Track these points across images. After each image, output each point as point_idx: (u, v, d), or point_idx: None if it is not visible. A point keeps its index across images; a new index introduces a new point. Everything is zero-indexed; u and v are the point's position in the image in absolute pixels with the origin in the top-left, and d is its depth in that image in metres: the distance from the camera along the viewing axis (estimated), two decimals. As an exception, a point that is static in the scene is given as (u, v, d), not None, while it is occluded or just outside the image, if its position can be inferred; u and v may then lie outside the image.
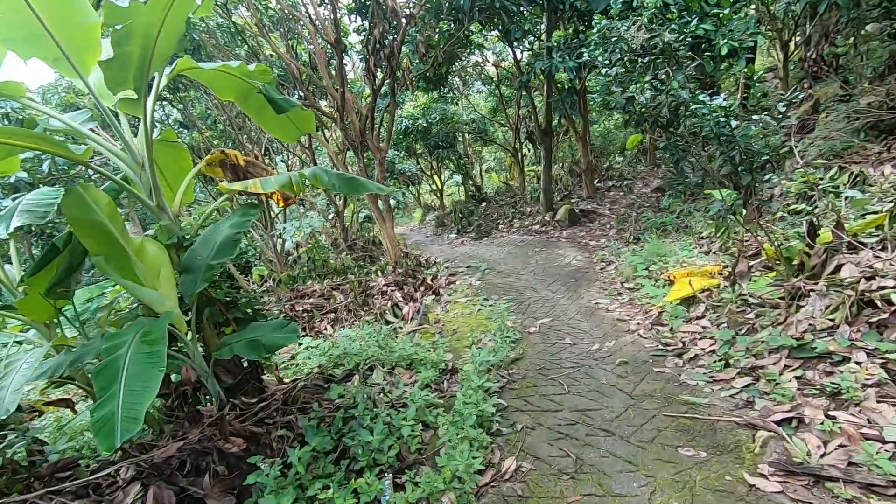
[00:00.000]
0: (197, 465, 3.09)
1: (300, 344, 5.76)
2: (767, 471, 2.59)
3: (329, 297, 8.00)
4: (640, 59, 4.47)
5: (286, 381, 4.61)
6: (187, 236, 3.45)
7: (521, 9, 9.62)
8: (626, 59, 4.53)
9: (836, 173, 5.89)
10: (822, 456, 2.60)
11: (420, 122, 13.93)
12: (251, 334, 3.23)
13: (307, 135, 10.18)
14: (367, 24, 7.28)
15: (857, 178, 5.65)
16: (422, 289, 7.78)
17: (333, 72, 7.66)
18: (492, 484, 2.93)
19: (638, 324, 5.09)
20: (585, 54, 4.84)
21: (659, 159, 13.10)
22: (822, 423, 2.79)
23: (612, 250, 8.18)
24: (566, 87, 11.82)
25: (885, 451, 2.49)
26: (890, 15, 7.01)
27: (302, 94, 7.87)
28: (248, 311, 3.89)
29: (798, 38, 9.78)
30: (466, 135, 16.62)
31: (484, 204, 15.70)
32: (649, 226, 8.82)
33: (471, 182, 17.13)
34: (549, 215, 11.98)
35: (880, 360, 3.06)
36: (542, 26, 10.57)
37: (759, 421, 2.98)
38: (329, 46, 7.71)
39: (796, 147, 6.33)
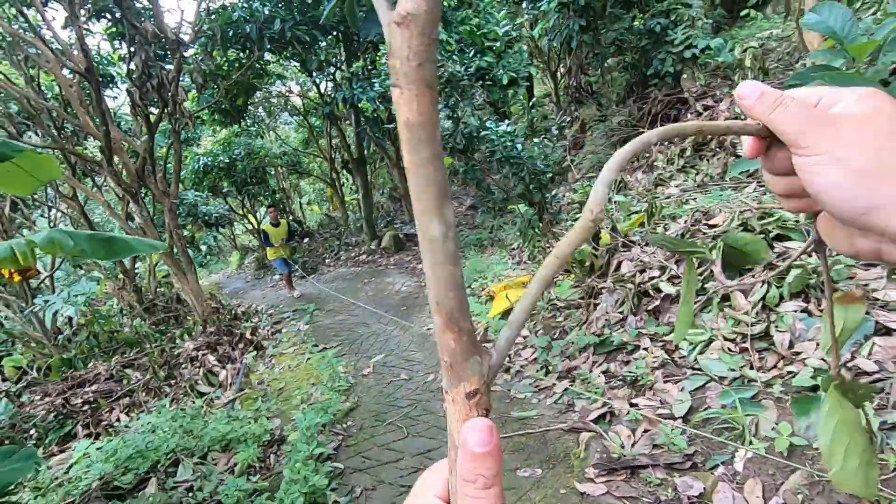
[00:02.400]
0: None
1: (76, 451, 4.51)
2: (593, 473, 2.72)
3: (121, 378, 6.55)
4: (429, 89, 4.60)
5: (50, 511, 3.51)
6: None
7: (317, 39, 9.42)
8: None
9: (605, 182, 6.92)
10: (632, 445, 2.83)
11: (221, 158, 12.65)
12: (-43, 478, 2.28)
13: (68, 185, 8.37)
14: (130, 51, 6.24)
15: (620, 185, 6.71)
16: (241, 346, 6.87)
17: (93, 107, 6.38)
18: (330, 575, 2.53)
19: (468, 344, 5.16)
20: (377, 84, 4.80)
21: (465, 179, 14.11)
22: (628, 413, 3.06)
23: (438, 271, 8.37)
24: (372, 115, 11.97)
25: (677, 427, 2.81)
26: (622, 51, 8.65)
27: (49, 137, 6.38)
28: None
29: (562, 69, 11.53)
30: (279, 168, 15.70)
31: (307, 239, 14.95)
32: (467, 243, 9.30)
33: (290, 217, 16.20)
34: (374, 243, 11.89)
35: (661, 343, 3.52)
36: (341, 56, 10.53)
37: (580, 424, 3.16)
38: (83, 77, 6.41)
39: (573, 162, 7.28)
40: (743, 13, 8.19)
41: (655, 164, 6.79)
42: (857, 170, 0.36)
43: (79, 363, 7.28)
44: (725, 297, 3.51)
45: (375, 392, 4.61)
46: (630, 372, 3.40)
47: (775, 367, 2.87)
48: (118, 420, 5.54)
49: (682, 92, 7.45)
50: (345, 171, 16.02)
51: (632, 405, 3.15)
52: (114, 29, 8.08)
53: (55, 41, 6.51)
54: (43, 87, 8.34)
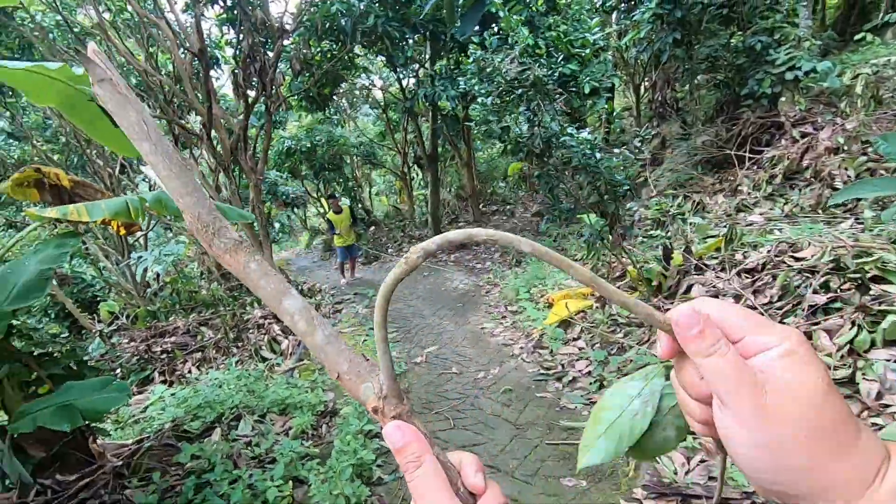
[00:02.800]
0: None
1: (153, 393, 4.94)
2: (641, 495, 2.62)
3: (196, 335, 7.07)
4: (513, 91, 4.61)
5: (128, 442, 3.86)
6: (-23, 276, 2.70)
7: (405, 35, 9.68)
8: (501, 89, 4.64)
9: (682, 202, 6.62)
10: (686, 473, 2.70)
11: (304, 142, 13.30)
12: (64, 397, 2.57)
13: (171, 152, 9.13)
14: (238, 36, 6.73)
15: (698, 206, 6.39)
16: (303, 320, 7.21)
17: (200, 85, 6.94)
18: (370, 545, 2.61)
19: (521, 348, 5.14)
20: (462, 84, 4.87)
21: (536, 186, 13.95)
22: (684, 440, 2.92)
23: (497, 274, 8.37)
24: (450, 114, 12.11)
25: (738, 463, 2.65)
26: (715, 68, 8.21)
27: (160, 108, 7.00)
28: (71, 364, 3.15)
29: (647, 83, 11.12)
30: (355, 157, 16.28)
31: (373, 227, 15.40)
32: (530, 249, 9.20)
33: (360, 205, 16.74)
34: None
35: (727, 374, 3.33)
36: (426, 54, 10.75)
37: (631, 443, 3.06)
38: (195, 57, 6.98)
39: (650, 178, 7.02)
40: (857, 37, 7.54)
41: (740, 188, 6.40)
42: (773, 447, 0.35)
43: (161, 316, 7.93)
44: (808, 335, 3.27)
45: (426, 381, 4.69)
46: (691, 398, 3.24)
47: (858, 416, 2.63)
48: (190, 371, 5.99)
49: (778, 115, 6.96)
50: (416, 166, 16.35)
51: (689, 432, 3.00)
52: (224, 15, 8.71)
53: (175, 23, 7.12)
54: (159, 64, 9.15)
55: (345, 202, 16.59)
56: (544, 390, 4.11)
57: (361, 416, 3.75)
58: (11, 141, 10.96)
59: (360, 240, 13.42)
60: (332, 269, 12.04)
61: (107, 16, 7.76)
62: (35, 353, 2.98)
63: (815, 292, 3.50)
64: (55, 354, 3.14)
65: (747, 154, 6.85)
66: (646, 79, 11.07)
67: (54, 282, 8.74)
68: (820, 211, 5.00)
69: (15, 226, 10.75)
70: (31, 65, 3.27)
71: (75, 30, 7.98)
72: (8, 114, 9.38)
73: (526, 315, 5.88)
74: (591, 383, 3.96)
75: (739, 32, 7.58)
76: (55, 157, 9.78)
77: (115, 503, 2.75)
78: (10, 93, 8.49)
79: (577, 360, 4.42)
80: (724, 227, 5.32)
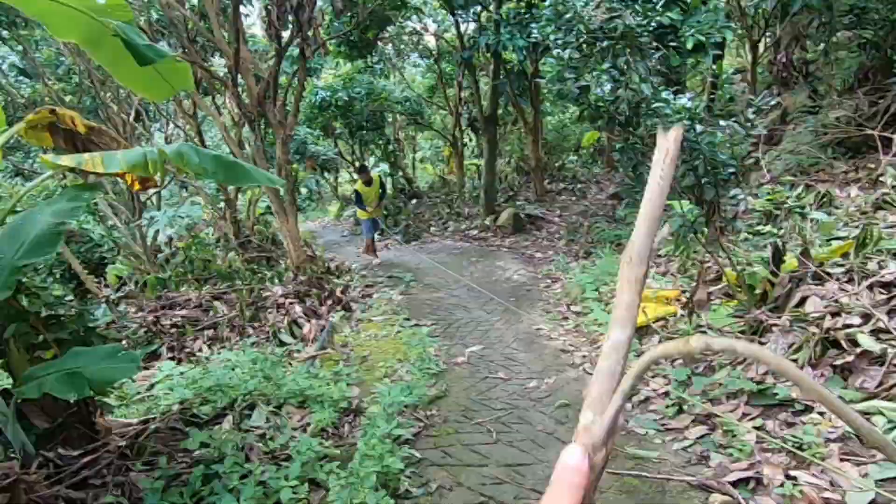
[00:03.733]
0: (-19, 549, 2.63)
1: (161, 370, 5.27)
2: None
3: (208, 309, 7.46)
4: (597, 43, 4.49)
5: (133, 422, 4.15)
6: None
7: (468, -30, 9.62)
8: (581, 41, 4.53)
9: (803, 192, 6.29)
10: (780, 525, 2.64)
11: (340, 95, 13.53)
12: (71, 364, 2.80)
13: (191, 101, 9.54)
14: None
15: (824, 199, 6.07)
16: (329, 302, 7.44)
17: (227, 23, 7.19)
18: (392, 565, 2.72)
19: (584, 356, 5.10)
20: (535, 31, 4.79)
21: (616, 162, 13.59)
22: (781, 486, 2.84)
23: (560, 265, 8.29)
24: (516, 69, 11.95)
25: (849, 520, 2.56)
26: (861, 23, 7.67)
27: (182, 47, 7.30)
28: (78, 330, 3.42)
29: (768, 39, 10.52)
30: (398, 116, 16.43)
31: (415, 200, 15.56)
32: (602, 238, 9.05)
33: (401, 173, 16.94)
34: (490, 219, 12.04)
35: (844, 411, 3.19)
36: (493, -6, 10.61)
37: (713, 482, 3.00)
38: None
39: (763, 160, 6.71)
40: None
41: (881, 179, 6.01)
42: None
43: (172, 285, 8.40)
44: (956, 372, 3.07)
45: (467, 385, 4.76)
46: (794, 436, 3.14)
47: None
48: (200, 350, 6.34)
49: (943, 88, 6.45)
50: (469, 130, 16.29)
51: (788, 477, 2.91)
52: (258, -59, 8.93)
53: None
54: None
55: (383, 170, 16.85)
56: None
57: (390, 418, 3.87)
58: (22, 78, 11.77)
59: (399, 214, 13.64)
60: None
61: (130, -61, 8.13)
62: (42, 315, 3.24)
63: (972, 318, 3.27)
64: (62, 318, 3.41)
65: (896, 136, 6.40)
66: (767, 34, 10.48)
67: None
68: None
69: (23, 174, 11.59)
70: (51, -7, 3.47)
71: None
72: (20, 48, 10.04)
73: (592, 318, 5.83)
74: (667, 406, 3.90)
75: (900, -23, 7.04)
76: (67, 99, 10.43)
77: (119, 485, 2.99)
78: (24, 23, 9.06)
79: (653, 376, 4.35)
80: (857, 227, 5.04)
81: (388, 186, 13.56)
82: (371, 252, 10.22)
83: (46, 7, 3.45)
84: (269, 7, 6.93)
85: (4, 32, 9.74)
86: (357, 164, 14.23)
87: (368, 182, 9.80)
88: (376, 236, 10.61)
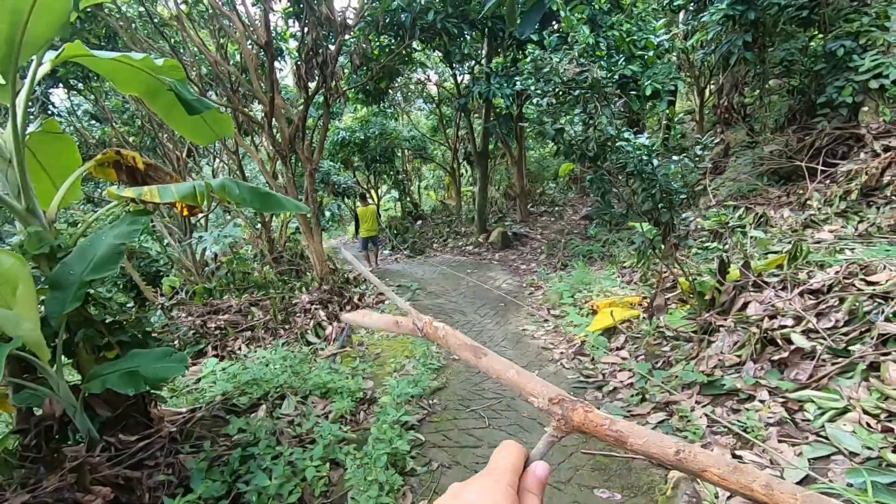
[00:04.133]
0: (53, 521, 2.59)
1: (206, 366, 5.24)
2: (678, 515, 2.55)
3: (247, 314, 7.43)
4: (570, 92, 4.53)
5: (182, 410, 4.12)
6: (62, 245, 2.96)
7: (463, 32, 9.69)
8: (557, 90, 4.56)
9: (743, 213, 6.30)
10: (728, 499, 2.60)
11: (358, 134, 13.62)
12: (130, 363, 2.79)
13: (234, 140, 9.59)
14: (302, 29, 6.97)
15: (761, 219, 6.07)
16: (348, 307, 7.41)
17: (264, 76, 7.25)
18: (400, 533, 2.68)
19: (561, 353, 5.07)
20: (519, 83, 4.83)
21: (587, 189, 13.62)
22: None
23: (541, 276, 8.27)
24: (503, 112, 12.03)
25: (786, 493, 2.52)
26: (790, 73, 7.74)
27: (227, 96, 7.35)
28: (137, 333, 3.40)
29: (712, 87, 10.60)
30: (406, 151, 16.50)
31: (420, 222, 15.57)
32: (577, 253, 9.04)
33: (408, 198, 16.97)
34: (482, 237, 12.03)
35: (781, 399, 3.16)
36: (483, 51, 10.71)
37: (671, 460, 2.96)
38: (261, 49, 7.29)
39: (709, 187, 6.72)
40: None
41: (809, 202, 6.02)
42: None
43: (216, 294, 8.37)
44: (874, 366, 3.05)
45: (463, 378, 4.73)
46: (739, 421, 3.11)
47: (927, 458, 2.44)
48: (240, 349, 6.30)
49: (857, 127, 6.48)
50: (465, 163, 16.37)
51: (734, 456, 2.88)
52: (290, 9, 9.02)
53: (245, 16, 7.44)
54: (228, 55, 9.61)
55: (393, 196, 16.92)
56: (583, 398, 4.04)
57: (399, 407, 3.84)
58: (94, 122, 11.86)
59: (406, 232, 13.67)
60: (379, 261, 12.29)
61: (183, 7, 8.22)
62: (107, 321, 3.23)
63: (887, 320, 3.25)
64: (123, 323, 3.39)
65: (820, 167, 6.42)
66: (711, 82, 10.56)
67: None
68: (899, 232, 4.62)
69: (93, 200, 11.62)
70: (117, 55, 3.51)
71: (155, 20, 8.51)
72: (92, 97, 10.13)
73: (568, 320, 5.80)
74: (632, 395, 3.86)
75: (820, 35, 7.11)
76: (131, 140, 10.50)
77: (169, 466, 2.95)
78: (96, 77, 9.15)
79: (620, 370, 4.32)
80: (789, 242, 5.04)
81: (398, 209, 13.75)
82: (368, 261, 10.82)
83: (113, 66, 3.49)
84: (298, 63, 6.99)
85: (80, 85, 9.84)
86: (361, 193, 14.55)
87: (366, 205, 10.71)
88: (381, 250, 11.01)
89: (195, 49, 8.73)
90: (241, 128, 9.28)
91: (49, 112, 9.96)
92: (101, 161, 3.47)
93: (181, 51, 8.56)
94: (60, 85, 9.93)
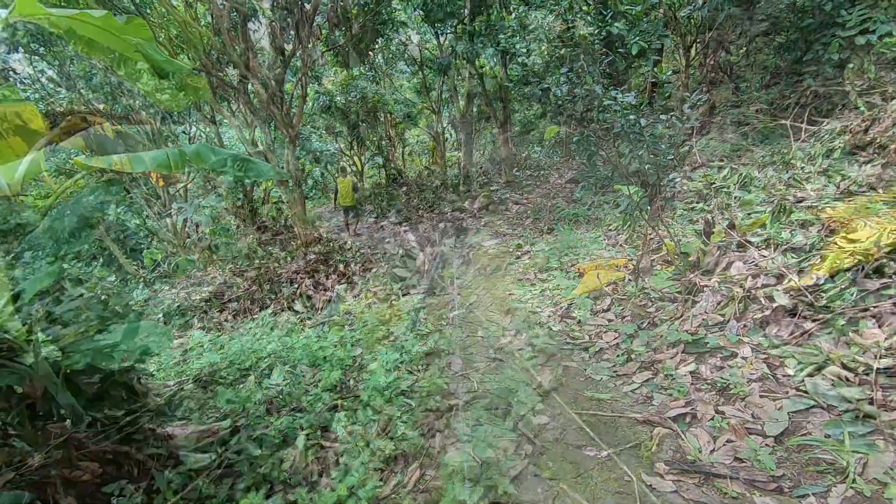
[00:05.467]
0: (44, 500, 2.57)
1: (192, 338, 5.18)
2: (663, 469, 2.62)
3: (231, 286, 7.33)
4: (556, 51, 4.38)
5: (169, 383, 4.08)
6: (29, 221, 2.81)
7: (445, -11, 9.29)
8: (543, 49, 4.41)
9: (729, 174, 6.29)
10: (711, 452, 2.67)
11: (338, 98, 13.19)
12: (111, 338, 2.71)
13: (209, 106, 9.22)
14: (276, -13, 6.60)
15: (746, 180, 6.07)
16: (334, 276, 7.35)
17: (238, 38, 6.89)
18: (392, 496, 2.72)
19: (549, 316, 5.10)
20: (502, 41, 4.65)
21: (573, 151, 13.49)
22: (712, 419, 2.87)
23: (528, 240, 8.26)
24: (488, 73, 11.72)
25: (767, 445, 2.60)
26: (776, 31, 7.60)
27: (198, 60, 7.00)
28: (119, 307, 3.31)
29: (699, 45, 10.39)
30: (389, 115, 16.07)
31: (405, 188, 15.34)
32: (563, 216, 9.01)
33: (392, 165, 16.66)
34: (468, 202, 11.92)
35: (763, 356, 3.23)
36: (466, 10, 10.30)
37: (656, 417, 3.03)
38: (233, 9, 6.90)
39: (695, 147, 6.68)
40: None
41: (792, 161, 6.02)
42: None
43: (200, 265, 8.23)
44: (853, 320, 3.11)
45: (453, 342, 4.74)
46: (722, 378, 3.17)
47: (902, 408, 2.52)
48: (226, 320, 6.24)
49: (842, 84, 6.43)
50: (450, 127, 16.05)
51: (718, 412, 2.95)
52: (263, -36, 8.51)
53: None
54: (198, 15, 9.10)
55: (377, 162, 16.70)
56: (570, 359, 4.09)
57: (388, 373, 3.84)
58: (59, 90, 11.26)
59: (392, 200, 13.53)
60: (363, 229, 12.16)
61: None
62: (85, 295, 3.13)
63: (867, 277, 3.30)
64: (104, 297, 3.29)
65: (804, 125, 6.40)
66: (698, 40, 10.35)
67: (102, 229, 9.15)
68: (880, 190, 4.66)
69: (66, 173, 11.19)
70: (76, 12, 3.26)
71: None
72: (56, 63, 9.58)
73: (555, 283, 5.82)
74: (618, 356, 3.92)
75: (809, -10, 6.94)
76: (101, 108, 10.02)
77: (159, 438, 2.93)
78: (59, 41, 8.63)
79: (606, 331, 4.37)
80: (773, 202, 5.05)
81: (382, 176, 13.61)
82: (347, 229, 11.02)
83: (73, 26, 3.24)
84: (273, 23, 6.64)
85: (42, 49, 9.28)
86: (341, 166, 14.33)
87: (344, 176, 10.86)
88: (367, 218, 10.99)
89: (163, 9, 8.25)
90: (217, 93, 8.90)
91: (8, 79, 9.42)
92: (66, 128, 3.28)
93: (147, 12, 8.06)
94: (21, 50, 9.37)
